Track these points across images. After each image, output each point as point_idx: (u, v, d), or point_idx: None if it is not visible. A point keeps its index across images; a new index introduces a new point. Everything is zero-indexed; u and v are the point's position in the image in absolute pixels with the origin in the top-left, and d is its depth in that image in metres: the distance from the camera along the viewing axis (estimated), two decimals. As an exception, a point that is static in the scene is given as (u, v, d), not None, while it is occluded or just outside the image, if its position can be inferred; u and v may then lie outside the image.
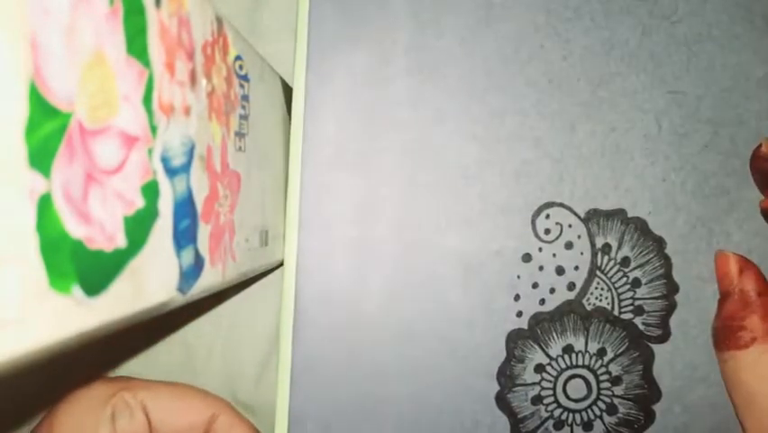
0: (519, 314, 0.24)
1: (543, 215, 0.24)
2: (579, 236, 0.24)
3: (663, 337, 0.24)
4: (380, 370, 0.25)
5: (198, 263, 0.16)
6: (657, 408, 0.24)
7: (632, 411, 0.24)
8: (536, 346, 0.24)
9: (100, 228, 0.11)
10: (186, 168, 0.15)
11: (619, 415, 0.24)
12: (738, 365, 0.21)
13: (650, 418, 0.24)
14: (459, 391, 0.24)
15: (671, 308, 0.24)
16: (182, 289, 0.15)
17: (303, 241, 0.25)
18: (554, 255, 0.24)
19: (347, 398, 0.24)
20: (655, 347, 0.24)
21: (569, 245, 0.24)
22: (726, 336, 0.21)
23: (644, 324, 0.24)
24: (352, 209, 0.25)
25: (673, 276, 0.24)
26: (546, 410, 0.24)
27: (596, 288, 0.24)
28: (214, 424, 0.23)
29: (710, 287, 0.24)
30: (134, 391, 0.22)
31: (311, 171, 0.25)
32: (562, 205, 0.24)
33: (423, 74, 0.25)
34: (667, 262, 0.24)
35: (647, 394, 0.24)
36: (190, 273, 0.15)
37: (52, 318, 0.10)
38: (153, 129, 0.13)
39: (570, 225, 0.24)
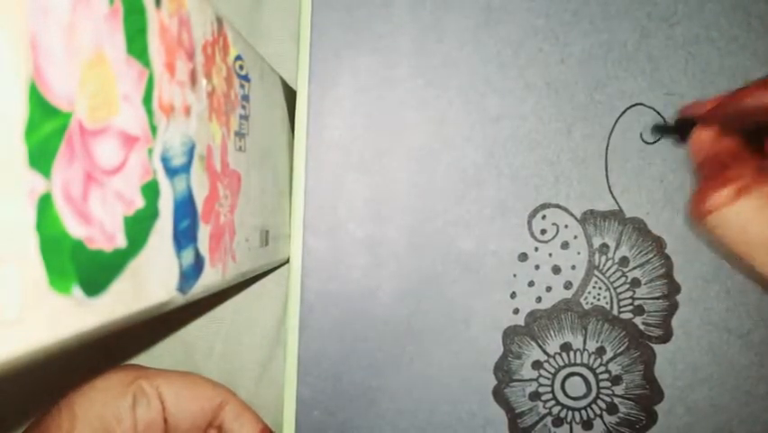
0: (516, 311, 0.24)
1: (539, 215, 0.24)
2: (575, 237, 0.24)
3: (665, 338, 0.24)
4: (381, 363, 0.25)
5: (198, 263, 0.16)
6: (659, 408, 0.24)
7: (633, 411, 0.24)
8: (533, 343, 0.24)
9: (100, 228, 0.11)
10: (186, 168, 0.15)
11: (620, 415, 0.24)
12: (739, 219, 0.18)
13: (652, 418, 0.24)
14: (456, 384, 0.24)
15: (672, 308, 0.24)
16: (182, 289, 0.15)
17: (307, 241, 0.25)
18: (550, 255, 0.24)
19: (350, 389, 0.25)
20: (657, 347, 0.24)
21: (565, 245, 0.24)
22: (710, 193, 0.19)
23: (644, 324, 0.24)
24: (353, 210, 0.25)
25: (674, 276, 0.24)
26: (545, 407, 0.24)
27: (594, 287, 0.24)
28: (223, 411, 0.23)
29: (713, 287, 0.24)
30: (151, 379, 0.22)
31: (315, 173, 0.25)
32: (558, 206, 0.24)
33: (424, 78, 0.25)
34: (668, 261, 0.24)
35: (649, 394, 0.24)
36: (190, 273, 0.15)
37: (52, 318, 0.10)
38: (153, 129, 0.13)
39: (566, 226, 0.24)
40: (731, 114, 0.20)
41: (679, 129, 0.23)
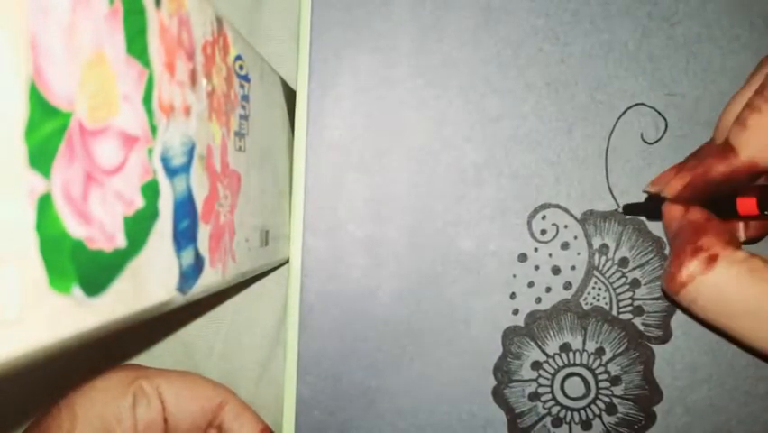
0: (515, 312, 0.24)
1: (538, 216, 0.24)
2: (575, 237, 0.24)
3: (665, 338, 0.24)
4: (381, 363, 0.25)
5: (198, 263, 0.16)
6: (658, 409, 0.24)
7: (632, 412, 0.24)
8: (533, 343, 0.24)
9: (100, 228, 0.11)
10: (186, 168, 0.15)
11: (619, 415, 0.24)
12: (715, 289, 0.18)
13: (651, 418, 0.24)
14: (456, 385, 0.24)
15: (672, 308, 0.24)
16: (182, 289, 0.15)
17: (307, 241, 0.25)
18: (550, 255, 0.24)
19: (350, 389, 0.25)
20: (656, 348, 0.24)
21: (565, 246, 0.24)
22: (681, 263, 0.19)
23: (643, 324, 0.24)
24: (353, 210, 0.25)
25: (672, 277, 0.24)
26: (544, 407, 0.24)
27: (593, 287, 0.24)
28: (223, 411, 0.23)
29: (709, 287, 0.24)
30: (151, 378, 0.22)
31: (315, 173, 0.25)
32: (558, 206, 0.24)
33: (424, 78, 0.25)
34: (672, 303, 0.24)
35: (648, 395, 0.24)
36: (190, 273, 0.15)
37: (52, 318, 0.10)
38: (153, 129, 0.13)
39: (566, 226, 0.24)
40: (702, 188, 0.20)
41: (649, 206, 0.23)
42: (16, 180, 0.09)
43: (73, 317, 0.10)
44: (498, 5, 0.24)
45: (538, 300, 0.24)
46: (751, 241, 0.22)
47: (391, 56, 0.25)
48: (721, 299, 0.18)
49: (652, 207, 0.23)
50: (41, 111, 0.09)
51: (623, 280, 0.24)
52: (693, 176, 0.20)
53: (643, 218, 0.24)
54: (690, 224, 0.20)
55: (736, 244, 0.19)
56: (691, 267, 0.19)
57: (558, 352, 0.25)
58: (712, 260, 0.18)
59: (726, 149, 0.19)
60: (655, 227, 0.24)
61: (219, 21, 0.17)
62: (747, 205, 0.20)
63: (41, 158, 0.09)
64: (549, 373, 0.25)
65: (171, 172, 0.14)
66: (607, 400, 0.24)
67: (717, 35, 0.24)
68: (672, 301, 0.23)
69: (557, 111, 0.24)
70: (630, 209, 0.24)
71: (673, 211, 0.21)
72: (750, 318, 0.18)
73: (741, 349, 0.23)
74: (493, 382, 0.24)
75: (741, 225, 0.21)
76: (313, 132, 0.25)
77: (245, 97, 0.20)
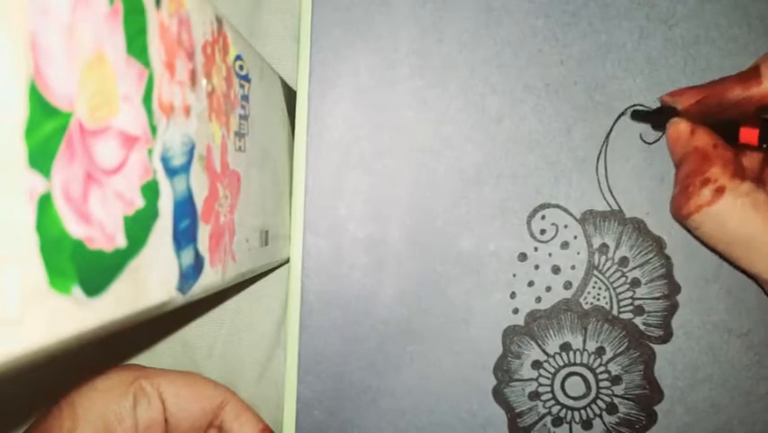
0: (515, 311, 0.24)
1: (538, 216, 0.24)
2: (575, 237, 0.24)
3: (665, 338, 0.24)
4: (381, 363, 0.25)
5: (198, 263, 0.16)
6: (659, 408, 0.24)
7: (633, 411, 0.24)
8: (533, 343, 0.24)
9: (100, 228, 0.11)
10: (186, 168, 0.15)
11: (620, 414, 0.24)
12: (719, 219, 0.19)
13: (652, 418, 0.24)
14: (456, 384, 0.24)
15: (672, 308, 0.24)
16: (182, 289, 0.15)
17: (307, 241, 0.25)
18: (550, 255, 0.24)
19: (350, 389, 0.25)
20: (657, 348, 0.24)
21: (565, 245, 0.24)
22: (690, 194, 0.20)
23: (644, 324, 0.24)
24: (354, 210, 0.25)
25: (675, 276, 0.24)
26: (544, 407, 0.25)
27: (593, 287, 0.24)
28: (223, 410, 0.23)
29: (714, 287, 0.24)
30: (151, 378, 0.22)
31: (315, 173, 0.25)
32: (557, 206, 0.24)
33: (424, 78, 0.25)
34: (668, 262, 0.24)
35: (649, 394, 0.24)
36: (190, 273, 0.15)
37: (52, 318, 0.10)
38: (153, 129, 0.13)
39: (566, 226, 0.24)
40: (713, 107, 0.20)
41: (657, 116, 0.23)
42: (16, 180, 0.09)
43: (73, 317, 0.10)
44: (498, 6, 0.25)
45: (538, 300, 0.24)
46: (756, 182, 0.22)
47: (391, 56, 0.25)
48: (723, 227, 0.20)
49: (659, 118, 0.23)
50: (41, 111, 0.09)
51: (623, 279, 0.24)
52: (709, 92, 0.20)
53: (642, 218, 0.24)
54: (697, 151, 0.21)
55: (741, 173, 0.20)
56: (699, 198, 0.20)
57: (558, 351, 0.25)
58: (719, 192, 0.20)
59: (751, 74, 0.20)
60: (655, 227, 0.24)
61: (219, 21, 0.17)
62: (749, 134, 0.20)
63: (41, 158, 0.09)
64: (549, 372, 0.25)
65: (171, 172, 0.14)
66: (607, 399, 0.24)
67: (715, 36, 0.24)
68: (678, 220, 0.23)
69: (556, 111, 0.24)
70: (638, 116, 0.24)
71: (680, 128, 0.21)
72: (747, 247, 0.19)
73: (740, 271, 0.23)
74: (493, 382, 0.24)
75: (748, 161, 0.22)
76: (313, 132, 0.25)
77: (245, 97, 0.20)
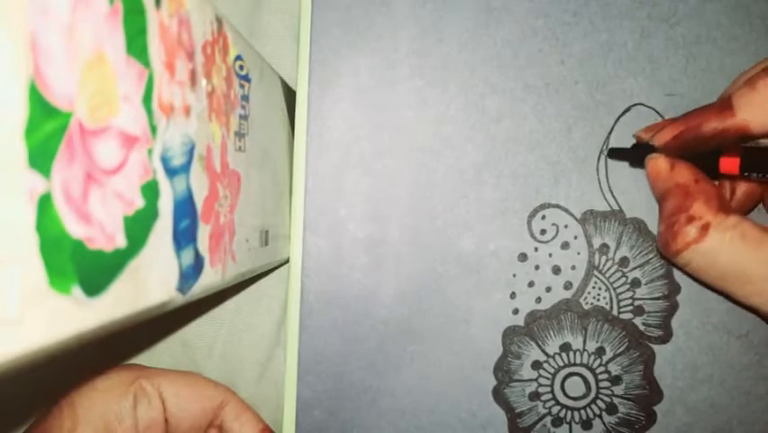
0: (515, 311, 0.24)
1: (538, 216, 0.24)
2: (575, 237, 0.24)
3: (665, 338, 0.24)
4: (381, 363, 0.25)
5: (198, 263, 0.16)
6: (659, 408, 0.24)
7: (632, 411, 0.24)
8: (533, 343, 0.24)
9: (100, 228, 0.11)
10: (185, 168, 0.15)
11: (620, 415, 0.24)
12: (709, 255, 0.19)
13: (651, 418, 0.24)
14: (456, 385, 0.24)
15: (672, 308, 0.24)
16: (182, 289, 0.15)
17: (307, 241, 0.25)
18: (550, 255, 0.24)
19: (351, 389, 0.25)
20: (656, 348, 0.24)
21: (565, 245, 0.24)
22: (676, 233, 0.20)
23: (644, 324, 0.24)
24: (354, 210, 0.25)
25: (674, 276, 0.24)
26: (544, 407, 0.24)
27: (593, 287, 0.24)
28: (223, 410, 0.23)
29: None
30: (152, 378, 0.22)
31: (315, 173, 0.25)
32: (557, 206, 0.24)
33: (424, 78, 0.25)
34: (668, 262, 0.24)
35: (648, 395, 0.24)
36: (190, 273, 0.15)
37: (52, 318, 0.10)
38: (153, 129, 0.13)
39: (566, 226, 0.24)
40: (690, 141, 0.20)
41: (634, 153, 0.23)
42: (16, 180, 0.09)
43: (73, 317, 0.10)
44: (498, 6, 0.25)
45: (538, 300, 0.24)
46: (741, 212, 0.22)
47: (391, 56, 0.25)
48: (714, 263, 0.19)
49: (637, 154, 0.23)
50: (41, 111, 0.09)
51: (623, 279, 0.24)
52: (685, 127, 0.20)
53: (643, 218, 0.24)
54: (678, 187, 0.20)
55: (726, 208, 0.20)
56: (685, 236, 0.20)
57: (558, 351, 0.25)
58: (705, 229, 0.19)
59: (725, 105, 0.19)
60: (655, 227, 0.24)
61: (219, 21, 0.17)
62: (730, 164, 0.20)
63: (41, 158, 0.09)
64: (549, 372, 0.25)
65: (171, 172, 0.14)
66: (607, 399, 0.24)
67: (716, 36, 0.24)
68: (666, 259, 0.23)
69: (557, 111, 0.24)
70: (615, 154, 0.24)
71: (659, 165, 0.21)
72: (740, 281, 0.19)
73: (738, 306, 0.23)
74: (493, 382, 0.24)
75: (730, 191, 0.22)
76: (313, 132, 0.25)
77: (245, 97, 0.20)
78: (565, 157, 0.24)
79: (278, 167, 0.24)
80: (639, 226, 0.24)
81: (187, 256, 0.15)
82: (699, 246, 0.19)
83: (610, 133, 0.24)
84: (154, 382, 0.22)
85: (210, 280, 0.16)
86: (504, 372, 0.24)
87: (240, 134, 0.19)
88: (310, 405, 0.25)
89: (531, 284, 0.24)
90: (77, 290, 0.10)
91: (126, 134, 0.12)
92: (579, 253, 0.24)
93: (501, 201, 0.24)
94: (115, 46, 0.12)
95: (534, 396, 0.24)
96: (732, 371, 0.24)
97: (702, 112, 0.20)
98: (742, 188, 0.22)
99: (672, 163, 0.21)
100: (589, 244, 0.24)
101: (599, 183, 0.24)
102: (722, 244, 0.19)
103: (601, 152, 0.24)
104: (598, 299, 0.24)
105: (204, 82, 0.16)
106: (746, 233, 0.19)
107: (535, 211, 0.24)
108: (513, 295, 0.24)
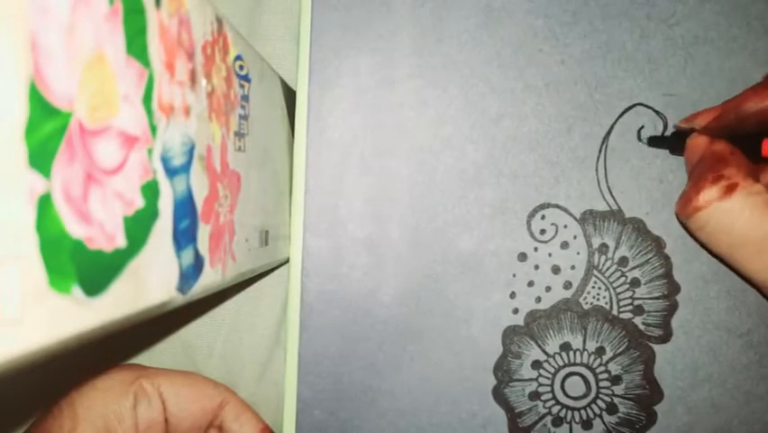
0: (515, 311, 0.24)
1: (538, 216, 0.24)
2: (575, 236, 0.24)
3: (665, 337, 0.24)
4: (381, 363, 0.25)
5: (198, 263, 0.16)
6: (659, 408, 0.24)
7: (633, 411, 0.24)
8: (533, 343, 0.24)
9: (100, 228, 0.11)
10: (185, 168, 0.15)
11: (620, 414, 0.24)
12: (729, 217, 0.18)
13: (652, 418, 0.24)
14: (456, 384, 0.24)
15: (672, 308, 0.24)
16: (182, 289, 0.15)
17: (307, 241, 0.25)
18: (550, 255, 0.24)
19: (351, 389, 0.25)
20: (657, 347, 0.24)
21: (564, 245, 0.24)
22: (701, 188, 0.19)
23: (644, 324, 0.24)
24: (353, 210, 0.25)
25: (674, 276, 0.24)
26: (544, 407, 0.25)
27: (593, 287, 0.24)
28: (223, 410, 0.23)
29: (713, 287, 0.24)
30: (152, 378, 0.22)
31: (315, 173, 0.25)
32: (557, 206, 0.24)
33: (424, 78, 0.25)
34: (667, 261, 0.24)
35: (649, 394, 0.24)
36: (190, 273, 0.15)
37: (52, 318, 0.10)
38: (153, 129, 0.13)
39: (565, 226, 0.24)
40: (732, 121, 0.20)
41: (674, 139, 0.23)
42: (16, 180, 0.09)
43: (73, 317, 0.10)
44: (498, 6, 0.25)
45: (538, 300, 0.24)
46: None
47: (391, 56, 0.25)
48: (731, 226, 0.19)
49: (677, 141, 0.23)
50: (41, 111, 0.09)
51: (623, 279, 0.24)
52: (725, 107, 0.20)
53: (642, 218, 0.24)
54: (712, 154, 0.20)
55: (755, 177, 0.19)
56: (710, 193, 0.19)
57: (558, 351, 0.25)
58: (731, 188, 0.19)
59: (764, 86, 0.19)
60: (655, 227, 0.24)
61: (219, 21, 0.17)
62: None
63: (41, 158, 0.09)
64: (549, 372, 0.25)
65: (171, 172, 0.14)
66: (607, 399, 0.24)
67: (715, 36, 0.24)
68: (682, 223, 0.22)
69: (556, 111, 0.24)
70: (655, 141, 0.23)
71: (698, 141, 0.21)
72: (754, 250, 0.18)
73: (741, 279, 0.23)
74: (493, 382, 0.24)
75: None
76: (313, 132, 0.25)
77: (245, 97, 0.20)
78: (565, 157, 0.24)
79: (278, 167, 0.24)
80: (638, 226, 0.24)
81: (187, 256, 0.15)
82: (722, 204, 0.19)
83: (609, 133, 0.24)
84: (154, 382, 0.22)
85: (210, 280, 0.16)
86: (504, 371, 0.24)
87: (240, 134, 0.19)
88: (310, 405, 0.25)
89: (531, 284, 0.24)
90: (77, 290, 0.10)
91: (126, 134, 0.12)
92: (578, 253, 0.24)
93: (501, 201, 0.24)
94: (115, 46, 0.12)
95: (535, 396, 0.24)
96: (732, 370, 0.24)
97: (743, 93, 0.20)
98: None
99: (712, 140, 0.20)
100: (589, 244, 0.24)
101: (599, 183, 0.24)
102: (744, 207, 0.18)
103: (601, 152, 0.24)
104: (598, 299, 0.24)
105: (204, 82, 0.16)
106: None
107: (535, 211, 0.24)
108: (513, 295, 0.24)
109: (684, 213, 0.20)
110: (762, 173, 0.21)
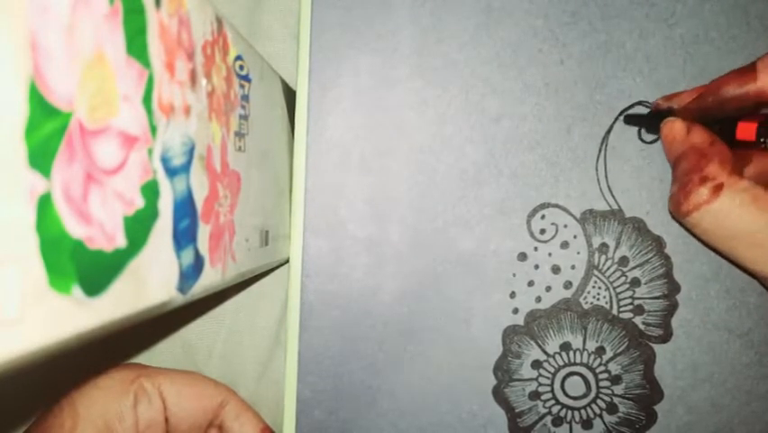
0: (515, 311, 0.24)
1: (538, 215, 0.24)
2: (575, 236, 0.24)
3: (665, 337, 0.24)
4: (381, 363, 0.25)
5: (198, 263, 0.16)
6: (659, 408, 0.24)
7: (633, 411, 0.24)
8: (533, 343, 0.24)
9: (100, 228, 0.11)
10: (185, 168, 0.15)
11: (620, 414, 0.24)
12: (719, 216, 0.19)
13: (652, 418, 0.24)
14: (456, 384, 0.24)
15: (672, 307, 0.24)
16: (182, 289, 0.15)
17: (307, 241, 0.25)
18: (550, 255, 0.24)
19: (351, 389, 0.25)
20: (657, 347, 0.24)
21: (564, 245, 0.24)
22: (689, 193, 0.20)
23: (644, 323, 0.24)
24: (354, 210, 0.25)
25: (674, 276, 0.24)
26: (544, 406, 0.25)
27: (593, 287, 0.24)
28: (224, 410, 0.23)
29: (713, 286, 0.24)
30: (152, 377, 0.22)
31: (315, 173, 0.25)
32: (557, 206, 0.24)
33: (424, 78, 0.25)
34: (667, 261, 0.24)
35: (649, 394, 0.24)
36: (190, 273, 0.15)
37: (52, 318, 0.10)
38: (153, 129, 0.13)
39: (565, 226, 0.24)
40: (709, 104, 0.20)
41: (651, 118, 0.23)
42: (16, 180, 0.09)
43: (73, 317, 0.10)
44: (498, 6, 0.25)
45: (538, 300, 0.24)
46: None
47: (391, 56, 0.25)
48: (723, 224, 0.19)
49: (653, 119, 0.23)
50: (41, 111, 0.09)
51: (623, 279, 0.24)
52: (706, 88, 0.20)
53: (642, 217, 0.24)
54: (693, 148, 0.20)
55: (739, 170, 0.20)
56: (698, 196, 0.20)
57: (558, 351, 0.25)
58: (717, 189, 0.19)
59: (748, 70, 0.19)
60: (655, 226, 0.24)
61: (219, 21, 0.17)
62: (747, 130, 0.20)
63: (41, 158, 0.09)
64: (549, 372, 0.25)
65: (171, 172, 0.14)
66: (607, 399, 0.24)
67: (715, 36, 0.24)
68: (678, 221, 0.23)
69: (556, 111, 0.24)
70: (631, 120, 0.24)
71: (675, 128, 0.21)
72: (748, 243, 0.19)
73: (740, 270, 0.23)
74: (493, 382, 0.24)
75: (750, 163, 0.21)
76: (313, 132, 0.25)
77: (245, 97, 0.20)
78: (565, 157, 0.24)
79: (278, 167, 0.24)
80: (638, 226, 0.24)
81: (187, 256, 0.15)
82: (711, 207, 0.19)
83: (609, 132, 0.24)
84: (155, 382, 0.22)
85: (210, 280, 0.16)
86: (504, 371, 0.24)
87: (240, 134, 0.19)
88: (310, 405, 0.25)
89: (531, 284, 0.24)
90: (77, 290, 0.10)
91: (126, 134, 0.12)
92: (578, 253, 0.24)
93: (501, 201, 0.24)
94: (115, 46, 0.12)
95: (535, 395, 0.24)
96: (733, 370, 0.24)
97: (725, 75, 0.20)
98: (754, 166, 0.21)
99: (689, 126, 0.21)
100: (589, 244, 0.24)
101: (599, 183, 0.24)
102: (733, 206, 0.19)
103: (600, 152, 0.24)
104: (598, 299, 0.24)
105: (204, 82, 0.16)
106: (759, 196, 0.19)
107: (535, 211, 0.24)
108: (513, 294, 0.24)
109: (677, 214, 0.21)
110: (745, 164, 0.21)
